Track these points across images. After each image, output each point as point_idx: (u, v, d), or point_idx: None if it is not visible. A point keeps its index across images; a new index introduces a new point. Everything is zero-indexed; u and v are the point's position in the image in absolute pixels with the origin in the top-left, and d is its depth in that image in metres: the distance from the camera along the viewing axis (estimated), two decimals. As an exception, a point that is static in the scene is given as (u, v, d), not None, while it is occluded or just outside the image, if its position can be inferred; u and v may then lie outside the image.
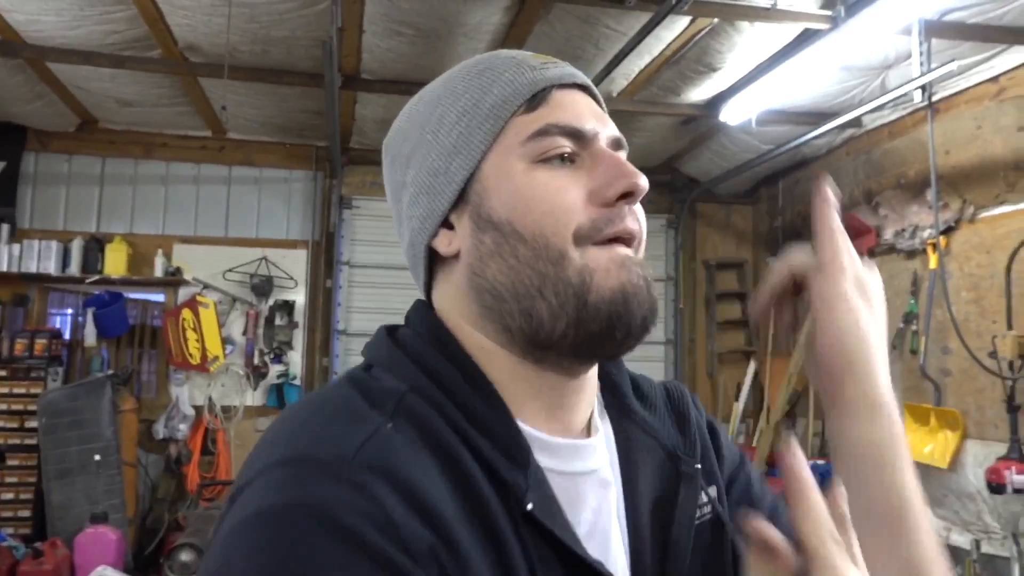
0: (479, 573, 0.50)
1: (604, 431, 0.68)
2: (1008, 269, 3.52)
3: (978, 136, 3.86)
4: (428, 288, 0.68)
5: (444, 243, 0.64)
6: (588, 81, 0.67)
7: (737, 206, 6.25)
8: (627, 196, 0.60)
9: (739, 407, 5.80)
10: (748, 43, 3.74)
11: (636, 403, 0.71)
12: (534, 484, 0.56)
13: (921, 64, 3.43)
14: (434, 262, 0.66)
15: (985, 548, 3.65)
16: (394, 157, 0.69)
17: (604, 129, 0.64)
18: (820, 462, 4.56)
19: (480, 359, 0.62)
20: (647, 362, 5.90)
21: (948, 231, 3.99)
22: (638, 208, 0.63)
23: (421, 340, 0.63)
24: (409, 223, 0.67)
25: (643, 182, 0.60)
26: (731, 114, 4.26)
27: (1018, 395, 3.45)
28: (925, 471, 4.07)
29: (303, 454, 0.51)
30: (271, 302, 5.45)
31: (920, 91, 3.71)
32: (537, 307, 0.59)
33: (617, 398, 0.71)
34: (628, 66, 4.05)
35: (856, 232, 4.70)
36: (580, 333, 0.58)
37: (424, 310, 0.66)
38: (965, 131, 3.93)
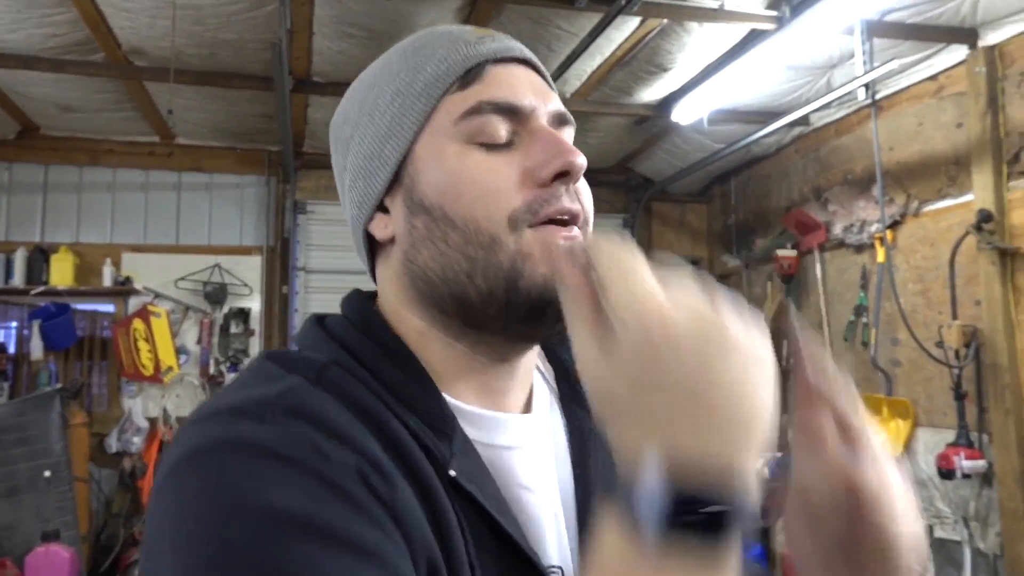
0: (412, 509, 0.49)
1: (553, 417, 0.68)
2: (951, 261, 3.62)
3: (920, 133, 3.97)
4: (373, 273, 0.68)
5: (380, 227, 0.63)
6: (529, 54, 0.64)
7: (691, 205, 6.33)
8: (562, 176, 0.58)
9: (697, 403, 5.87)
10: (697, 44, 3.79)
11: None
12: (460, 452, 0.55)
13: (864, 63, 3.52)
14: (375, 247, 0.65)
15: (938, 533, 3.75)
16: (336, 140, 0.67)
17: (545, 104, 0.61)
18: (778, 455, 4.63)
19: (413, 341, 0.61)
20: (606, 361, 5.93)
21: (894, 225, 4.10)
22: (583, 186, 0.61)
23: (347, 324, 0.62)
24: (350, 208, 0.66)
25: (579, 160, 0.58)
26: (683, 114, 4.32)
27: (964, 383, 3.55)
28: (878, 460, 4.16)
29: (221, 408, 0.51)
30: (226, 310, 5.36)
31: (864, 89, 3.80)
32: (467, 292, 0.57)
33: (570, 385, 0.71)
34: (580, 67, 4.08)
35: (806, 228, 4.80)
36: (511, 317, 0.57)
37: (356, 297, 0.66)
38: (907, 128, 4.04)
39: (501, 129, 0.58)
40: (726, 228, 5.99)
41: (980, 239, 3.45)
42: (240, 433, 0.48)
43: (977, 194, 3.55)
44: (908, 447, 3.94)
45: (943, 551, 3.72)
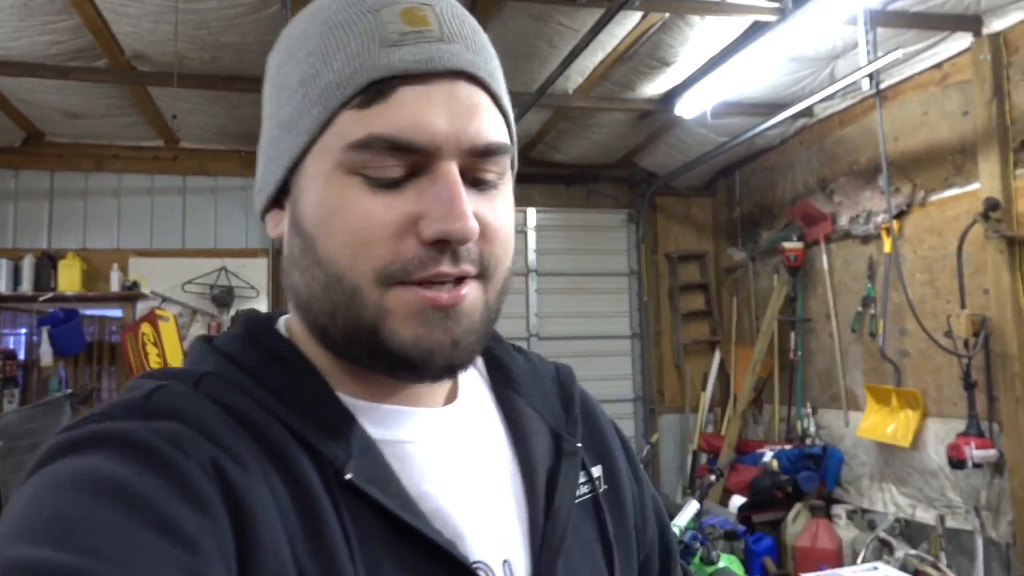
0: (267, 508, 0.47)
1: (486, 404, 0.65)
2: (959, 250, 3.61)
3: (925, 122, 3.95)
4: None
5: (272, 223, 0.59)
6: (465, 63, 0.53)
7: (696, 198, 6.32)
8: (440, 243, 0.51)
9: (706, 396, 5.87)
10: (699, 37, 3.78)
11: (523, 378, 0.68)
12: (359, 452, 0.52)
13: (868, 53, 3.50)
14: None
15: (949, 523, 3.74)
16: (265, 81, 0.60)
17: (462, 135, 0.52)
18: (787, 447, 4.63)
19: (302, 342, 0.58)
20: (614, 356, 5.94)
21: (900, 215, 4.08)
22: (492, 233, 0.54)
23: (233, 336, 0.59)
24: (257, 178, 0.61)
25: (465, 228, 0.50)
26: (686, 108, 4.30)
27: (974, 372, 3.54)
28: (888, 451, 4.16)
29: (86, 418, 0.50)
30: (233, 312, 5.37)
31: (868, 79, 3.78)
32: (329, 330, 0.54)
33: (503, 373, 0.68)
34: (583, 63, 4.07)
35: (812, 220, 4.79)
36: (374, 365, 0.54)
37: (247, 313, 0.64)
38: (912, 117, 4.02)
39: (392, 168, 0.51)
40: (731, 221, 5.98)
41: (987, 228, 3.44)
42: (99, 430, 0.47)
43: (984, 182, 3.53)
44: (918, 438, 3.93)
45: (955, 541, 3.71)
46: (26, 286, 4.95)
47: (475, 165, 0.53)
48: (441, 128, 0.51)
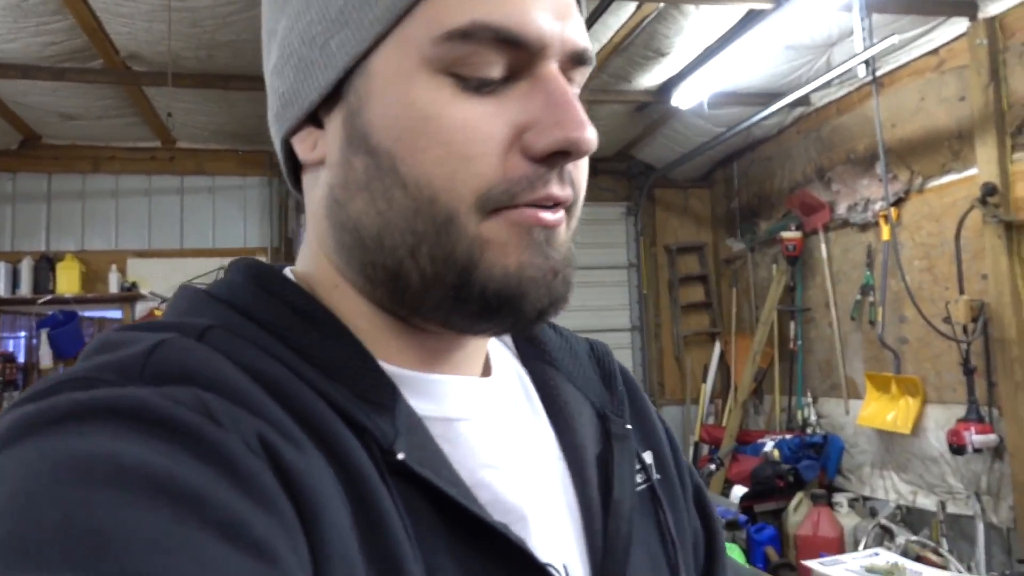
0: (327, 487, 0.38)
1: (521, 380, 0.56)
2: (957, 236, 3.61)
3: (922, 108, 3.95)
4: (296, 185, 0.53)
5: (306, 145, 0.48)
6: None
7: (694, 190, 6.32)
8: (562, 155, 0.43)
9: (707, 388, 5.87)
10: (695, 26, 3.78)
11: (557, 352, 0.58)
12: (406, 429, 0.43)
13: (864, 40, 3.50)
14: (296, 158, 0.49)
15: (950, 508, 3.75)
16: None
17: (564, 34, 0.44)
18: (788, 437, 4.64)
19: (332, 295, 0.48)
20: (614, 349, 5.81)
21: (898, 202, 4.08)
22: (582, 161, 0.47)
23: (235, 285, 0.48)
24: (271, 96, 0.50)
25: (587, 136, 0.43)
26: (682, 98, 4.30)
27: (973, 358, 3.54)
28: (889, 438, 4.16)
29: (59, 381, 0.38)
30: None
31: (864, 66, 3.78)
32: (406, 269, 0.44)
33: (535, 346, 0.58)
34: (578, 55, 4.07)
35: (810, 209, 4.79)
36: (455, 310, 0.45)
37: (244, 261, 0.51)
38: (909, 104, 4.02)
39: (494, 67, 0.43)
40: (730, 212, 5.98)
41: (985, 213, 3.44)
42: (92, 400, 0.35)
43: (981, 168, 3.53)
44: (918, 424, 3.94)
45: (956, 526, 3.71)
46: (25, 289, 4.95)
47: (569, 73, 0.46)
48: (549, 23, 0.43)
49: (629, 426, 0.56)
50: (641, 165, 6.06)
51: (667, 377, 6.09)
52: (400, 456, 0.41)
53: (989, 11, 3.49)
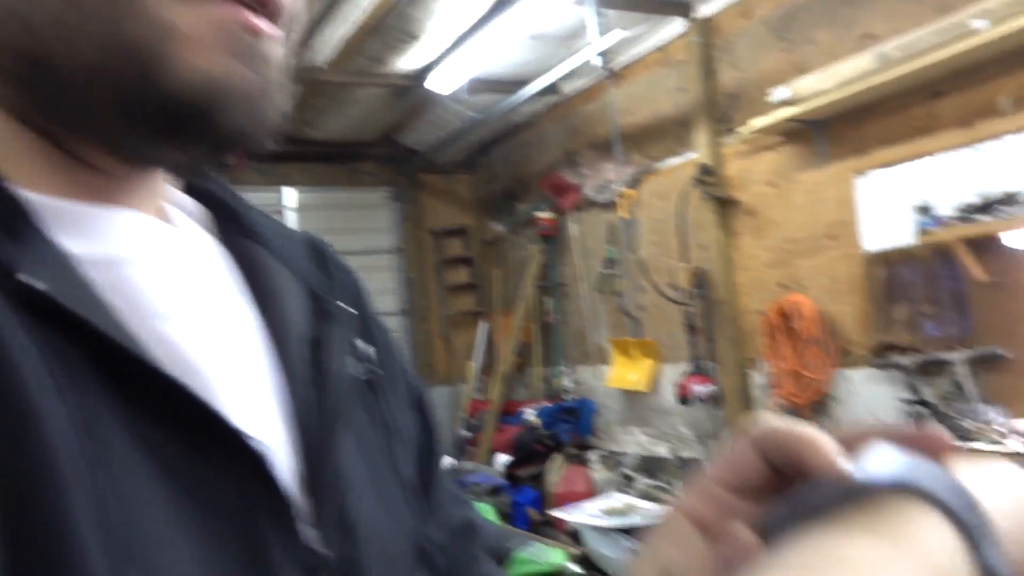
0: None
1: (205, 242, 0.47)
2: (680, 212, 4.06)
3: (651, 98, 4.39)
4: None
5: None
6: None
7: (457, 175, 6.49)
8: None
9: (475, 366, 6.08)
10: (445, 11, 3.89)
11: (262, 228, 0.50)
12: (42, 259, 0.33)
13: (599, 33, 3.82)
14: None
15: (682, 453, 4.22)
16: None
17: None
18: (547, 405, 4.96)
19: None
20: (384, 333, 5.95)
21: (634, 184, 4.50)
22: None
23: None
24: None
25: None
26: (438, 83, 4.41)
27: (696, 319, 4.01)
28: (632, 396, 4.59)
29: None
30: None
31: (600, 59, 4.12)
32: (56, 57, 0.34)
33: (234, 219, 0.49)
34: (330, 34, 4.03)
35: (561, 191, 5.13)
36: (125, 122, 0.36)
37: None
38: (641, 94, 4.45)
39: None
40: (491, 195, 6.23)
41: (702, 191, 3.90)
42: None
43: (699, 151, 4.00)
44: (655, 382, 4.39)
45: (687, 469, 4.19)
46: None
47: None
48: None
49: (346, 307, 0.50)
50: (404, 149, 6.12)
51: (435, 358, 6.23)
52: (40, 286, 0.31)
53: (701, 12, 3.95)
